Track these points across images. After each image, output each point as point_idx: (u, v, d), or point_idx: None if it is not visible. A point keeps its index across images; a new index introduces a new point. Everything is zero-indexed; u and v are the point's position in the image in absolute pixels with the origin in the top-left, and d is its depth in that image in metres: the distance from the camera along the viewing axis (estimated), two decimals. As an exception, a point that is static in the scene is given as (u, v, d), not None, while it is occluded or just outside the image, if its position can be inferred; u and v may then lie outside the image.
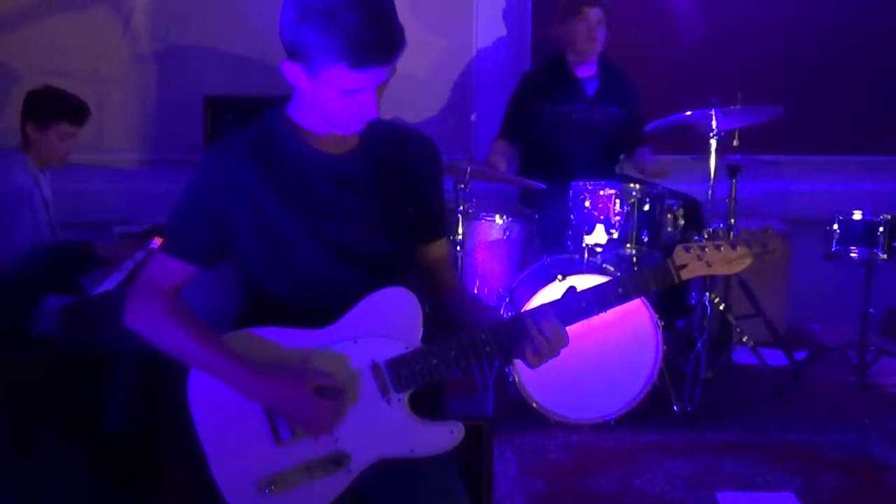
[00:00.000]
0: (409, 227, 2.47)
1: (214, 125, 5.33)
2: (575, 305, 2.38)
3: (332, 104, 2.27)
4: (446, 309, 2.56)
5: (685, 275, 2.41)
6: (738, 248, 2.44)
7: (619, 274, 4.38)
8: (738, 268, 2.46)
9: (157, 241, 4.36)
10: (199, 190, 2.38)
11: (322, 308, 2.34)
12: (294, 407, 2.30)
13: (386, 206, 2.42)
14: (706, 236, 3.60)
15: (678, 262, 2.41)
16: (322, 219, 2.37)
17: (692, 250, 2.42)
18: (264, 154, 2.36)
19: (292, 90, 2.38)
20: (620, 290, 2.39)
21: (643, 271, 2.42)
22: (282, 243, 2.36)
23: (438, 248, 2.58)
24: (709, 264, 2.42)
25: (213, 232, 2.37)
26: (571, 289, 2.38)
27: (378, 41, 2.19)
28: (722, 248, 2.43)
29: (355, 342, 2.34)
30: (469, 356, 2.35)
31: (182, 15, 5.79)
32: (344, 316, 2.35)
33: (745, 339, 5.11)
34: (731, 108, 4.85)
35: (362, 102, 2.27)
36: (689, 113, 4.86)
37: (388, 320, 2.36)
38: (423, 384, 2.35)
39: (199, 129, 5.40)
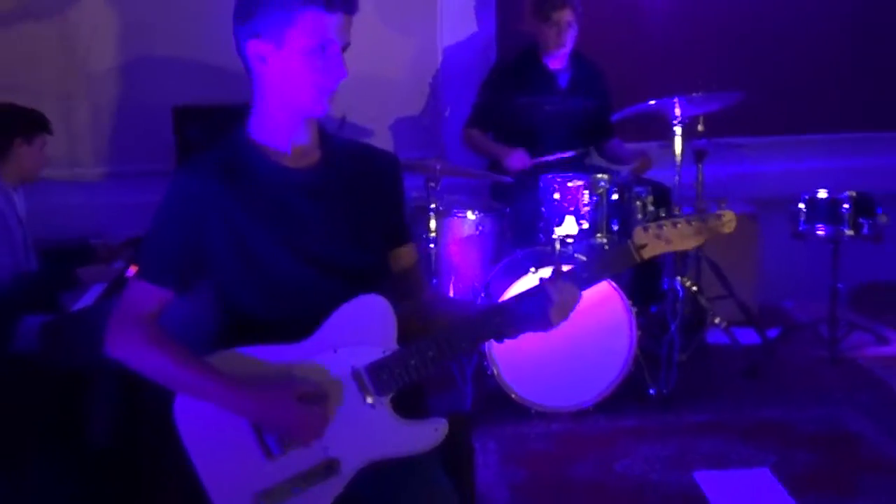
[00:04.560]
0: (378, 235, 2.55)
1: (183, 135, 5.35)
2: (522, 309, 2.45)
3: (301, 75, 2.35)
4: (420, 311, 2.62)
5: (646, 254, 2.48)
6: (693, 222, 2.52)
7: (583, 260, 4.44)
8: (695, 242, 2.53)
9: (133, 270, 4.38)
10: (170, 214, 2.43)
11: (300, 321, 2.40)
12: (282, 418, 2.35)
13: (354, 216, 2.49)
14: (697, 212, 3.70)
15: (638, 242, 2.48)
16: (295, 232, 2.43)
17: (650, 230, 2.49)
18: (232, 174, 2.42)
19: (251, 109, 2.45)
20: (585, 275, 2.46)
21: (605, 254, 2.50)
22: (257, 260, 2.41)
23: (406, 255, 2.65)
24: (668, 241, 2.50)
25: (187, 255, 2.42)
26: (541, 280, 2.44)
27: None
28: (678, 225, 2.50)
29: (335, 351, 2.40)
30: (446, 353, 2.42)
31: (148, 26, 5.78)
32: (321, 327, 2.41)
33: (717, 320, 5.20)
34: (694, 95, 4.91)
35: (331, 62, 2.35)
36: (652, 102, 4.93)
37: (364, 327, 2.42)
38: (404, 385, 2.42)
39: (169, 139, 5.42)
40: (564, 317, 2.41)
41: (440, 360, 2.42)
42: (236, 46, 2.40)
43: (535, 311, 2.40)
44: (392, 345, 2.42)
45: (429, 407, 2.65)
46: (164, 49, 5.80)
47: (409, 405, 2.47)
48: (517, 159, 5.25)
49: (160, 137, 5.47)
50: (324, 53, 2.34)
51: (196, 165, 2.46)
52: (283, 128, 2.44)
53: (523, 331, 2.44)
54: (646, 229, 2.50)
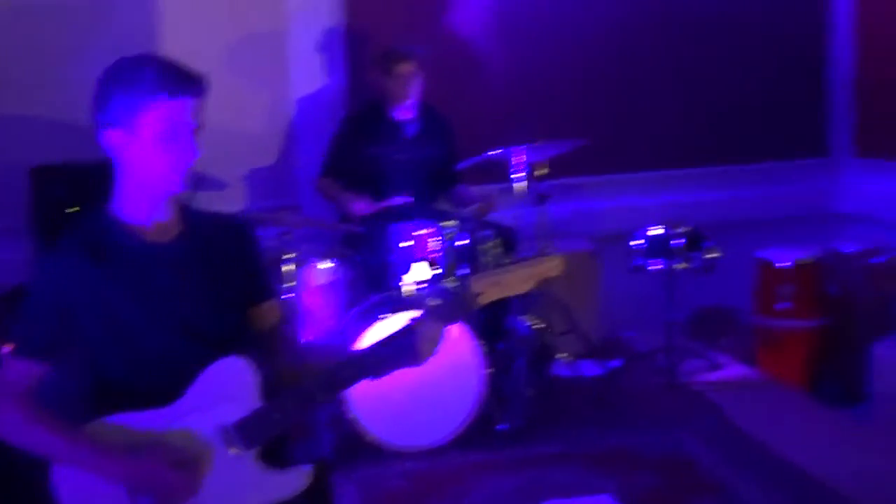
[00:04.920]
0: (238, 299, 2.74)
1: (42, 195, 5.32)
2: (393, 347, 2.69)
3: (151, 153, 2.53)
4: (291, 364, 2.82)
5: (483, 300, 2.72)
6: (524, 268, 2.77)
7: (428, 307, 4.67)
8: (527, 286, 2.78)
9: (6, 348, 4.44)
10: (40, 293, 2.60)
11: (167, 386, 2.56)
12: (156, 483, 2.51)
13: (214, 283, 2.68)
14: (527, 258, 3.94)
15: (475, 290, 2.73)
16: (159, 303, 2.60)
17: (486, 277, 2.74)
18: (96, 252, 2.58)
19: (112, 184, 2.63)
20: (441, 315, 2.70)
21: (445, 304, 2.73)
22: (125, 332, 2.58)
23: (270, 311, 2.85)
24: (502, 287, 2.75)
25: (59, 330, 2.57)
26: (410, 319, 2.69)
27: (186, 71, 2.54)
28: (511, 271, 2.76)
29: (202, 412, 2.57)
30: (305, 403, 2.64)
31: (3, 83, 5.75)
32: (188, 391, 2.58)
33: (562, 354, 5.48)
34: (535, 143, 5.19)
35: (181, 145, 2.54)
36: (496, 151, 5.17)
37: (228, 387, 2.60)
38: (269, 437, 2.61)
39: (24, 198, 5.37)
40: (432, 352, 2.66)
41: (303, 412, 2.65)
42: (95, 132, 2.57)
43: (406, 349, 2.64)
44: (256, 402, 2.61)
45: (293, 455, 2.84)
46: (19, 107, 5.76)
47: (275, 455, 2.67)
48: (360, 206, 5.45)
49: (16, 197, 5.41)
50: (175, 137, 2.53)
51: (61, 246, 2.62)
52: (143, 206, 2.62)
53: (396, 367, 2.67)
54: (482, 276, 2.76)
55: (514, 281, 2.77)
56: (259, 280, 2.84)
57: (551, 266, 2.81)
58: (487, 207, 5.56)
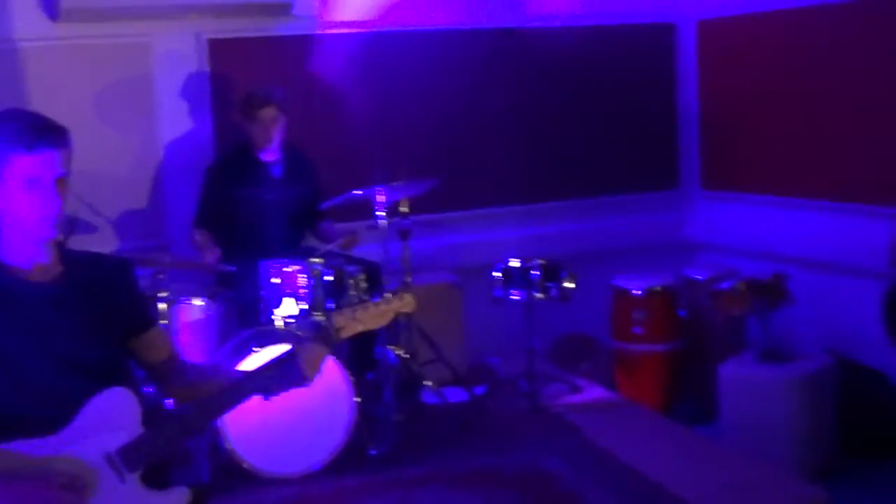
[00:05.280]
0: (120, 333, 2.93)
1: None
2: (267, 378, 2.92)
3: (18, 203, 2.71)
4: (187, 387, 3.03)
5: (343, 334, 3.00)
6: (380, 305, 3.06)
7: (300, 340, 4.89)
8: (383, 321, 3.07)
9: None
10: None
11: (54, 417, 2.72)
12: None
13: (94, 319, 2.86)
14: (383, 297, 4.18)
15: (336, 325, 2.99)
16: (44, 340, 2.77)
17: (346, 313, 3.00)
18: None
19: None
20: (295, 359, 2.94)
21: (311, 339, 2.98)
22: (13, 366, 2.73)
23: (156, 337, 3.05)
24: (361, 322, 3.02)
25: None
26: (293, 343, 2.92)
27: (46, 124, 2.73)
28: (368, 308, 3.03)
29: (87, 440, 2.74)
30: (184, 430, 2.86)
31: None
32: (73, 420, 2.74)
33: (429, 382, 5.70)
34: (395, 183, 5.43)
35: (44, 195, 2.72)
36: (358, 191, 5.39)
37: (112, 416, 2.79)
38: (151, 461, 2.81)
39: None
40: (317, 370, 2.92)
41: (182, 438, 2.86)
42: None
43: (292, 370, 2.90)
44: (138, 428, 2.81)
45: (172, 478, 3.04)
46: None
47: (156, 478, 2.86)
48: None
49: None
50: (37, 188, 2.71)
51: None
52: (22, 250, 2.80)
53: (285, 388, 2.93)
54: (342, 313, 3.02)
55: (371, 317, 3.07)
56: (140, 310, 3.04)
57: (404, 304, 3.13)
58: (351, 242, 5.78)
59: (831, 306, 6.31)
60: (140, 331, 3.00)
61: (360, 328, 3.05)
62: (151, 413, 2.87)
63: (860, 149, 6.12)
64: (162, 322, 4.97)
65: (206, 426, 2.98)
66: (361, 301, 3.14)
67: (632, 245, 7.31)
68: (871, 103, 6.01)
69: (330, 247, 5.62)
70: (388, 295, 3.13)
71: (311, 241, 6.11)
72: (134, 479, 2.78)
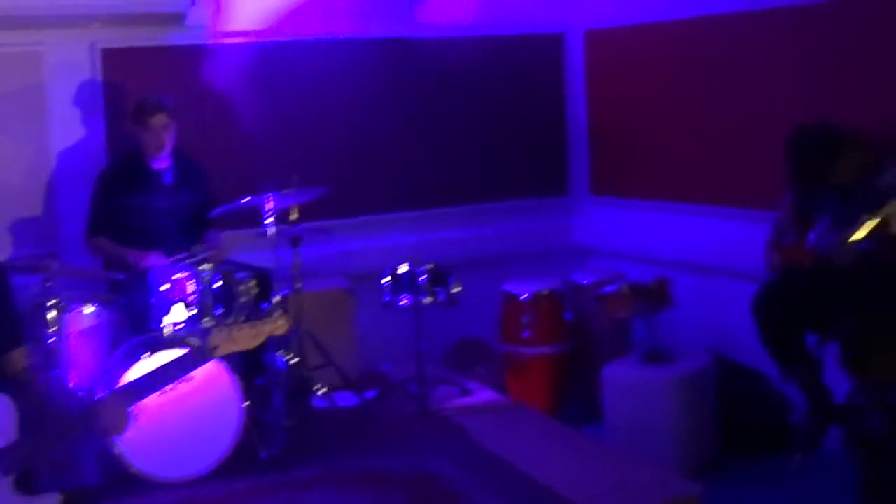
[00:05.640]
0: None
1: None
2: (136, 386, 3.00)
3: None
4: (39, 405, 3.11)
5: (218, 353, 3.09)
6: (254, 326, 3.16)
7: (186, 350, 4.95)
8: (257, 341, 3.18)
9: None
10: None
11: None
12: None
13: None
14: (272, 303, 4.30)
15: (212, 344, 3.08)
16: None
17: (222, 333, 3.10)
18: None
19: None
20: (171, 371, 3.03)
21: (185, 356, 3.07)
22: None
23: (19, 358, 3.12)
24: (235, 342, 3.12)
25: None
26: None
27: None
28: (243, 329, 3.14)
29: None
30: (57, 438, 2.93)
31: None
32: None
33: (319, 386, 5.80)
34: (285, 191, 5.54)
35: None
36: (247, 199, 5.49)
37: None
38: (24, 466, 2.89)
39: None
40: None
41: (55, 445, 2.93)
42: None
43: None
44: (12, 435, 2.88)
45: (46, 483, 3.11)
46: None
47: (29, 482, 2.94)
48: (141, 258, 5.64)
49: None
50: None
51: None
52: None
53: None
54: (219, 332, 3.12)
55: (245, 337, 3.17)
56: (8, 328, 3.10)
57: (276, 326, 3.23)
58: (219, 256, 5.80)
59: (712, 308, 6.53)
60: (6, 349, 3.07)
61: (234, 348, 3.15)
62: (28, 419, 2.94)
63: (739, 156, 6.35)
64: (51, 331, 4.96)
65: (79, 435, 3.05)
66: (237, 322, 3.23)
67: (523, 250, 7.46)
68: (748, 112, 6.25)
69: (201, 257, 5.56)
70: (262, 316, 3.23)
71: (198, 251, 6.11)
72: (7, 482, 2.85)
